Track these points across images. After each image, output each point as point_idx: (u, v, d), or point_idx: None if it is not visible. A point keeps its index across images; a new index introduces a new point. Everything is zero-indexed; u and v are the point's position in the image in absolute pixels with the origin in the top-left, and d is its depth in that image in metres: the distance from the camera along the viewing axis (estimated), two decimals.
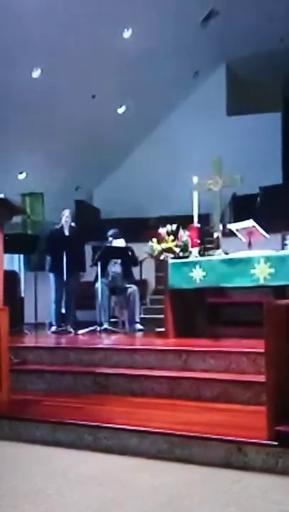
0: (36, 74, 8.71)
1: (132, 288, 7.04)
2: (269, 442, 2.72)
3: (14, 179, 10.26)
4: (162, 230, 5.89)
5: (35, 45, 8.11)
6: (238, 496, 2.42)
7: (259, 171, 10.71)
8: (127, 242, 7.25)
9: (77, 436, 3.23)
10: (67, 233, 7.22)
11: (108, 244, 6.83)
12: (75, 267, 6.97)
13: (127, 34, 9.30)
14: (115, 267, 7.07)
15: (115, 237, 7.03)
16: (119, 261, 7.06)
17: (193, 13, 10.01)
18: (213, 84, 12.87)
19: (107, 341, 5.67)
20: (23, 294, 8.93)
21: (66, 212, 7.33)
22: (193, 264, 5.28)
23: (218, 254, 5.40)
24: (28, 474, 2.79)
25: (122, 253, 6.99)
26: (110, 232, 7.09)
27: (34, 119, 9.33)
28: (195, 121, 12.41)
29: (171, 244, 5.71)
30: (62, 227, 7.26)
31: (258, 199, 10.67)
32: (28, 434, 3.39)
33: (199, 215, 5.75)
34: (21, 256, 8.02)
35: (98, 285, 6.70)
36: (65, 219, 7.25)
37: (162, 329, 5.64)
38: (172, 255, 5.66)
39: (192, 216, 5.75)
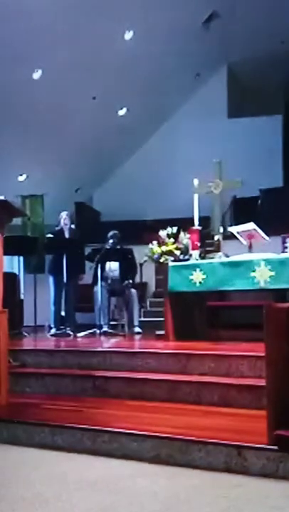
0: (37, 75, 8.70)
1: (131, 291, 7.03)
2: (269, 447, 2.70)
3: (14, 181, 10.26)
4: (163, 233, 5.88)
5: (36, 46, 8.11)
6: (238, 501, 2.40)
7: (260, 173, 10.72)
8: (127, 244, 7.24)
9: (76, 440, 3.20)
10: (67, 235, 7.21)
11: (107, 247, 6.81)
12: (74, 269, 6.96)
13: (128, 36, 9.30)
14: (114, 270, 7.05)
15: (115, 238, 7.01)
16: (117, 263, 7.05)
17: (195, 15, 10.01)
18: (214, 86, 12.89)
19: (106, 344, 5.65)
20: (22, 296, 8.91)
21: (64, 215, 7.32)
22: (194, 266, 5.26)
23: (219, 257, 5.39)
24: (26, 478, 2.77)
25: (122, 255, 6.98)
26: (110, 234, 7.08)
27: (35, 121, 9.33)
28: (196, 123, 12.42)
29: (171, 247, 5.70)
30: (61, 229, 7.25)
31: (259, 202, 10.66)
32: (27, 437, 3.37)
33: (200, 218, 5.74)
34: (21, 258, 8.02)
35: (97, 288, 6.69)
36: (64, 221, 7.24)
37: (162, 332, 5.62)
38: (172, 258, 5.65)
39: (193, 219, 5.73)
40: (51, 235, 7.40)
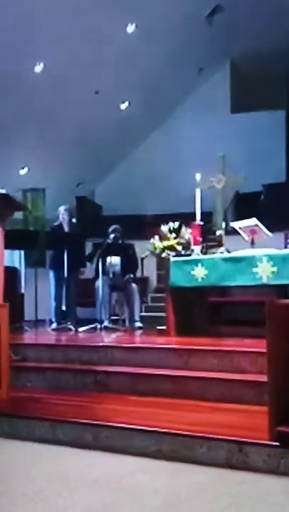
0: (39, 68, 8.66)
1: (132, 285, 7.02)
2: (270, 443, 2.69)
3: (16, 174, 10.22)
4: (164, 228, 5.86)
5: (38, 39, 8.06)
6: (239, 497, 2.39)
7: (262, 168, 10.68)
8: (128, 239, 7.22)
9: (78, 435, 3.20)
10: (67, 229, 7.19)
11: (109, 241, 6.79)
12: (75, 263, 6.94)
13: (130, 29, 9.24)
14: (115, 265, 7.04)
15: (117, 233, 6.99)
16: (118, 258, 7.04)
17: (198, 9, 9.95)
18: (217, 81, 12.81)
19: (107, 339, 5.64)
20: (23, 291, 8.91)
21: (62, 209, 7.30)
22: (195, 262, 5.24)
23: (221, 253, 5.36)
24: (27, 473, 2.76)
25: (123, 250, 6.96)
26: (112, 229, 7.06)
27: (36, 114, 9.29)
28: (199, 118, 12.36)
29: (173, 242, 5.68)
30: (60, 224, 7.24)
31: (261, 197, 10.63)
32: (28, 432, 3.36)
33: (202, 213, 5.71)
34: (22, 252, 8.01)
35: (98, 282, 6.67)
36: (62, 216, 7.23)
37: (163, 327, 5.61)
38: (174, 253, 5.63)
39: (194, 214, 5.71)
40: (52, 230, 7.39)
